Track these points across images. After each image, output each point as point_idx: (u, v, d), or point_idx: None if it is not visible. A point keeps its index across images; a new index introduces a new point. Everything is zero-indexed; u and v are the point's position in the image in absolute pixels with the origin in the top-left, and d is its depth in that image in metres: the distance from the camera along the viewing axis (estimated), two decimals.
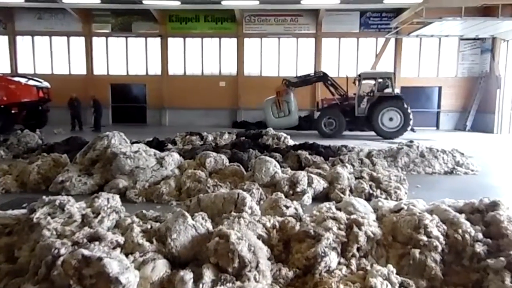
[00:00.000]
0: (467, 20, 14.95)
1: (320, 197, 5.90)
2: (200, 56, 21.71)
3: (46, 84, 17.09)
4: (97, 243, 2.81)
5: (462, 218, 3.42)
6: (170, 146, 10.36)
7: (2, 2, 19.45)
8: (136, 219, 3.66)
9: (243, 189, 5.27)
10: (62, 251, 2.62)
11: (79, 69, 21.87)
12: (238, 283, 2.80)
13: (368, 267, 3.11)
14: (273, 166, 6.35)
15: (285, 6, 19.45)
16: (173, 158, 6.82)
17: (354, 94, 16.03)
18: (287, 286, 3.02)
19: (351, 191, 6.10)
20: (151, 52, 21.87)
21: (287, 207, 4.22)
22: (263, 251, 3.09)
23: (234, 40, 21.35)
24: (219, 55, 21.68)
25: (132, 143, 7.92)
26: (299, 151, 8.58)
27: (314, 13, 20.34)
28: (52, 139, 11.16)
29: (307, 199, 5.80)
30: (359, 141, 13.72)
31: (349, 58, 20.98)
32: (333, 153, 9.14)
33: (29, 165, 6.74)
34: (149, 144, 9.16)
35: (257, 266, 2.91)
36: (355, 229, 3.38)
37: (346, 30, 20.60)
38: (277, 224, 3.61)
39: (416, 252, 3.17)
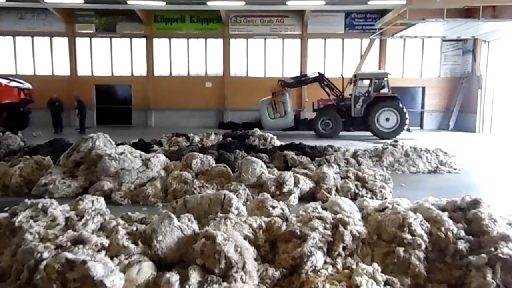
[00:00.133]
0: (449, 22, 15.23)
1: (307, 197, 5.93)
2: (186, 57, 21.61)
3: (27, 85, 16.77)
4: (81, 246, 2.78)
5: (445, 216, 3.48)
6: (156, 147, 10.27)
7: None
8: (121, 222, 3.62)
9: (230, 190, 5.26)
10: (45, 255, 2.58)
11: (63, 70, 21.53)
12: (224, 284, 2.80)
13: (354, 266, 3.14)
14: (259, 167, 6.36)
15: (271, 7, 19.51)
16: (159, 160, 6.77)
17: (350, 94, 16.13)
18: (274, 286, 3.03)
19: (337, 190, 6.15)
20: (136, 52, 21.67)
21: (274, 208, 4.23)
22: (250, 252, 3.10)
23: (220, 40, 21.31)
24: (205, 55, 21.61)
25: (117, 144, 7.84)
26: (286, 152, 8.61)
27: (300, 14, 20.45)
28: (33, 141, 10.95)
29: (294, 199, 5.83)
30: (346, 141, 13.83)
31: (335, 58, 21.15)
32: (319, 153, 9.19)
33: (11, 167, 6.62)
34: (135, 145, 9.08)
35: (243, 267, 2.91)
36: (341, 228, 3.41)
37: (331, 31, 20.76)
38: (263, 224, 3.62)
39: (401, 250, 3.21)
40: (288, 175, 6.10)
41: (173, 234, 3.13)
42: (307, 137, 14.87)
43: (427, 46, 20.60)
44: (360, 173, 6.73)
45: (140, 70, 21.73)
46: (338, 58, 21.15)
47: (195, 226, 3.41)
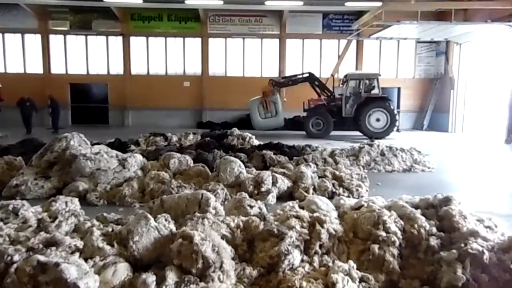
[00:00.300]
0: (422, 24, 15.62)
1: (285, 196, 5.97)
2: (164, 56, 21.37)
3: None
4: (54, 248, 2.71)
5: (418, 213, 3.58)
6: (133, 147, 10.13)
7: None
8: (96, 223, 3.56)
9: (208, 190, 5.25)
10: (16, 257, 2.51)
11: (36, 67, 20.93)
12: (202, 284, 2.79)
13: (330, 264, 3.18)
14: (237, 166, 6.36)
15: (249, 6, 19.52)
16: (136, 160, 6.67)
17: (340, 95, 16.26)
18: (251, 285, 3.04)
19: (314, 189, 6.21)
20: (112, 51, 21.28)
21: (251, 207, 4.24)
22: (227, 251, 3.10)
23: (199, 40, 21.18)
24: (183, 54, 21.43)
25: (93, 144, 7.69)
26: (264, 151, 8.64)
27: (278, 14, 20.55)
28: (0, 142, 10.59)
29: (272, 198, 5.86)
30: (323, 141, 13.99)
31: (313, 59, 21.34)
32: (298, 153, 9.27)
33: None
34: (111, 145, 8.93)
35: (221, 266, 2.91)
36: (318, 226, 3.45)
37: (309, 31, 20.95)
38: (241, 223, 3.63)
39: (375, 247, 3.28)
40: (266, 175, 6.13)
41: (150, 235, 3.10)
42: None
43: (402, 47, 21.06)
44: (337, 172, 6.82)
45: (117, 68, 21.35)
46: (316, 59, 21.36)
47: (172, 226, 3.38)
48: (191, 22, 20.96)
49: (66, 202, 3.72)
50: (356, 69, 20.69)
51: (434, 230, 3.40)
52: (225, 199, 5.54)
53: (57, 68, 21.10)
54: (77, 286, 2.33)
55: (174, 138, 11.82)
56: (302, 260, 3.25)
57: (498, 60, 16.40)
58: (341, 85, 16.81)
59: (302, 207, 4.04)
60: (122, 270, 2.77)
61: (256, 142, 11.37)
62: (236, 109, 20.78)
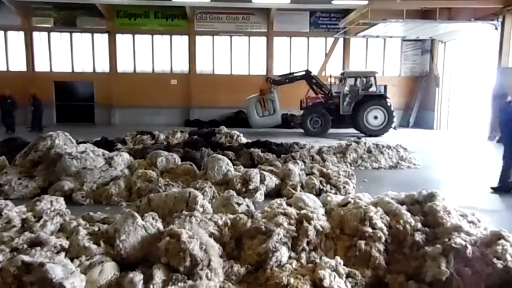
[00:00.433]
0: (408, 22, 15.78)
1: (273, 194, 5.99)
2: (151, 53, 21.15)
3: None
4: (38, 248, 2.68)
5: (403, 209, 3.63)
6: (119, 146, 10.02)
7: None
8: (82, 222, 3.52)
9: (196, 188, 5.24)
10: (0, 258, 2.47)
11: (19, 65, 20.51)
12: (190, 282, 2.79)
13: (318, 260, 3.21)
14: (225, 164, 6.36)
15: (236, 4, 19.44)
16: (122, 158, 6.62)
17: (336, 92, 16.23)
18: (239, 282, 3.05)
19: (302, 187, 6.25)
20: (98, 48, 20.97)
21: (239, 204, 4.25)
22: (215, 249, 3.10)
23: (186, 37, 21.02)
24: (170, 52, 21.24)
25: (79, 143, 7.61)
26: (252, 149, 8.65)
27: (266, 12, 20.51)
28: None
29: (260, 196, 5.88)
30: (312, 138, 14.06)
31: (300, 56, 21.39)
32: (285, 150, 9.30)
33: None
34: (97, 144, 8.83)
35: (209, 264, 2.91)
36: (305, 223, 3.48)
37: (296, 29, 20.95)
38: (229, 221, 3.64)
39: (362, 243, 3.32)
40: (254, 172, 6.14)
41: (137, 233, 3.09)
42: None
43: (388, 45, 21.24)
44: (324, 170, 6.87)
45: (103, 66, 21.05)
46: (304, 56, 21.41)
47: (160, 225, 3.37)
48: (178, 20, 20.79)
49: (51, 202, 3.67)
50: (343, 67, 20.80)
51: (419, 225, 3.46)
52: (213, 197, 5.54)
53: (41, 65, 20.71)
54: (63, 286, 2.31)
55: (162, 137, 11.74)
56: (289, 257, 3.28)
57: (481, 58, 16.68)
58: (339, 83, 16.82)
59: (289, 204, 4.07)
60: (109, 269, 2.75)
61: (244, 140, 11.37)
62: (224, 107, 20.71)
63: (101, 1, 19.21)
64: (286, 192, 5.93)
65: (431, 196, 3.76)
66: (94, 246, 2.92)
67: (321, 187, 6.28)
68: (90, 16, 20.26)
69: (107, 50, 20.82)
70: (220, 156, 6.76)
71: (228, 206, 4.25)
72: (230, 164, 6.53)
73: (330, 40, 20.59)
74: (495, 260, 2.92)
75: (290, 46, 21.34)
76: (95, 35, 20.78)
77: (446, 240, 3.13)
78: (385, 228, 3.43)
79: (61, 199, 3.87)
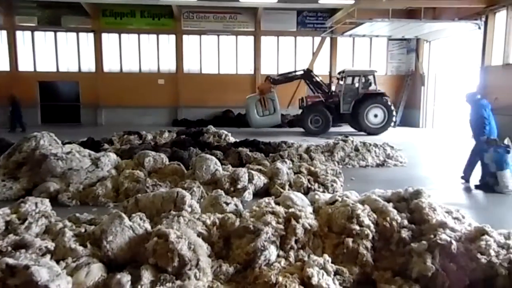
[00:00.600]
0: (393, 22, 15.95)
1: (261, 193, 6.00)
2: (137, 53, 20.97)
3: None
4: (23, 250, 2.64)
5: (390, 207, 3.68)
6: (106, 146, 9.91)
7: None
8: (69, 223, 3.48)
9: (184, 188, 5.21)
10: None
11: (2, 65, 20.13)
12: (178, 282, 2.78)
13: (306, 258, 3.23)
14: (213, 164, 6.34)
15: (224, 3, 19.40)
16: (109, 159, 6.55)
17: (334, 91, 16.26)
18: (228, 281, 3.05)
19: (290, 185, 6.27)
20: (83, 48, 20.70)
21: (227, 204, 4.24)
22: (203, 249, 3.10)
23: (173, 36, 20.89)
24: (157, 52, 21.09)
25: (64, 143, 7.52)
26: (240, 148, 8.65)
27: (253, 11, 20.52)
28: None
29: (248, 195, 5.88)
30: (300, 137, 14.12)
31: (288, 56, 21.45)
32: (273, 149, 9.32)
33: None
34: (83, 144, 8.73)
35: (197, 264, 2.91)
36: (293, 222, 3.50)
37: (284, 28, 21.01)
38: (217, 221, 3.63)
39: (350, 241, 3.36)
40: (242, 172, 6.14)
41: (124, 234, 3.06)
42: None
43: (375, 44, 21.44)
44: (312, 168, 6.90)
45: (88, 65, 20.80)
46: (291, 55, 21.48)
47: (147, 225, 3.35)
48: (165, 19, 20.65)
49: (36, 203, 3.62)
50: (330, 66, 20.95)
51: (406, 222, 3.51)
52: (201, 197, 5.52)
53: (24, 65, 20.36)
54: None
55: (149, 137, 11.65)
56: (278, 256, 3.29)
57: (465, 57, 16.96)
58: (337, 82, 16.88)
59: (277, 203, 4.08)
60: (96, 271, 2.73)
61: (232, 139, 11.35)
62: (212, 106, 20.67)
63: (86, 0, 18.97)
64: (274, 191, 5.95)
65: (417, 193, 3.81)
66: (80, 248, 2.89)
67: (309, 185, 6.31)
68: (75, 15, 19.99)
69: (92, 50, 20.58)
70: (208, 155, 6.74)
71: (216, 205, 4.24)
72: (218, 163, 6.52)
73: (317, 39, 20.70)
74: (479, 256, 2.98)
75: (277, 45, 21.39)
76: (81, 34, 20.52)
77: (432, 236, 3.18)
78: (372, 226, 3.47)
79: (46, 201, 3.81)
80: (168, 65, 21.18)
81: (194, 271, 2.87)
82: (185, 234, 3.05)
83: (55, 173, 5.94)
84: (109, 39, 20.75)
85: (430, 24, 16.20)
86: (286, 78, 16.80)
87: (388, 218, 3.49)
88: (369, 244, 3.37)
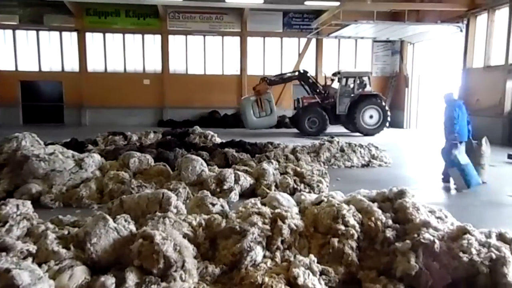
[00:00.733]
0: (378, 24, 16.17)
1: (247, 194, 5.99)
2: (122, 53, 20.75)
3: None
4: (4, 254, 2.58)
5: (375, 206, 3.71)
6: (90, 147, 9.77)
7: None
8: (51, 226, 3.42)
9: (169, 189, 5.18)
10: None
11: None
12: (163, 284, 2.76)
13: (292, 258, 3.24)
14: (199, 165, 6.32)
15: (210, 3, 19.36)
16: (93, 160, 6.46)
17: (326, 92, 16.34)
18: (214, 283, 3.04)
19: (276, 186, 6.28)
20: (67, 47, 20.38)
21: (213, 205, 4.23)
22: (189, 250, 3.08)
23: (158, 36, 20.74)
24: (143, 52, 20.91)
25: (47, 144, 7.38)
26: (226, 149, 8.63)
27: (239, 12, 20.52)
28: None
29: (234, 196, 5.87)
30: (287, 138, 14.16)
31: (274, 56, 21.52)
32: (260, 150, 9.33)
33: None
34: (67, 145, 8.59)
35: (183, 266, 2.89)
36: (279, 222, 3.50)
37: (270, 29, 21.08)
38: (203, 222, 3.62)
39: (335, 241, 3.38)
40: (229, 172, 6.13)
41: (109, 236, 3.02)
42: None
43: (360, 46, 21.68)
44: (298, 169, 6.92)
45: (72, 65, 20.49)
46: (277, 56, 21.55)
47: (132, 227, 3.31)
48: (150, 19, 20.49)
49: (17, 205, 3.55)
50: (316, 67, 21.08)
51: (390, 222, 3.55)
52: (187, 198, 5.49)
53: (6, 64, 19.95)
54: None
55: (134, 137, 11.53)
56: (264, 256, 3.30)
57: (447, 59, 17.28)
58: (330, 83, 16.97)
59: (264, 204, 4.08)
60: (79, 274, 2.68)
61: (218, 140, 11.33)
62: (198, 107, 20.60)
63: None
64: (260, 191, 5.95)
65: (401, 193, 3.86)
66: (63, 250, 2.84)
67: (295, 186, 6.34)
68: (58, 14, 19.68)
69: (76, 49, 20.28)
70: (194, 156, 6.70)
71: (202, 206, 4.22)
72: (204, 164, 6.49)
73: (303, 40, 20.83)
74: (461, 254, 3.03)
75: (263, 46, 21.45)
76: (64, 33, 20.21)
77: (415, 235, 3.22)
78: (357, 226, 3.50)
79: (28, 203, 3.74)
80: (154, 65, 21.02)
81: (180, 273, 2.85)
82: (171, 235, 3.03)
83: (37, 175, 5.83)
84: (93, 39, 20.49)
85: (413, 27, 16.47)
86: (282, 79, 16.82)
87: (373, 218, 3.53)
88: (354, 244, 3.39)
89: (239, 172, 6.30)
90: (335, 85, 16.69)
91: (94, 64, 20.59)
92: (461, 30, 15.08)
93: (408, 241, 3.16)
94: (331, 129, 16.31)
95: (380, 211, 3.64)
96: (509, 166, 9.11)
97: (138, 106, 20.51)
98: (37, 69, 20.22)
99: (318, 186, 6.40)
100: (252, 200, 4.15)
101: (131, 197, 4.23)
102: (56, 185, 5.74)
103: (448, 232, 3.31)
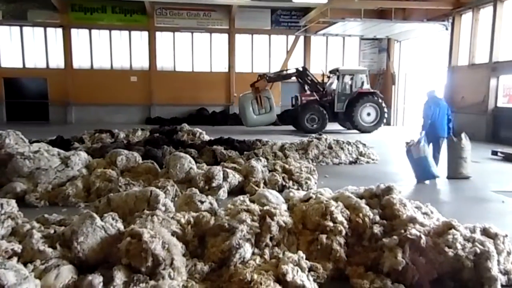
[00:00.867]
0: (365, 22, 16.30)
1: (236, 191, 5.99)
2: (109, 49, 20.49)
3: None
4: None
5: (362, 203, 3.75)
6: (77, 144, 9.63)
7: None
8: (37, 225, 3.36)
9: (157, 187, 5.14)
10: None
11: None
12: (152, 282, 2.74)
13: (281, 255, 3.25)
14: (187, 162, 6.29)
15: (197, 0, 19.24)
16: (80, 157, 6.37)
17: (325, 90, 16.39)
18: (203, 280, 3.04)
19: (265, 183, 6.29)
20: (51, 43, 20.04)
21: (202, 202, 4.22)
22: (178, 248, 3.07)
23: (145, 33, 20.54)
24: (130, 48, 20.68)
25: (32, 142, 7.27)
26: (215, 146, 8.61)
27: (227, 9, 20.44)
28: None
29: (223, 193, 5.86)
30: (275, 135, 14.18)
31: (262, 54, 21.51)
32: (248, 147, 9.33)
33: None
34: (52, 143, 8.48)
35: (171, 263, 2.88)
36: (268, 219, 3.51)
37: (258, 26, 21.05)
38: (191, 219, 3.60)
39: (323, 237, 3.40)
40: (217, 170, 6.11)
41: (96, 235, 2.99)
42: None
43: (348, 44, 21.80)
44: (287, 166, 6.95)
45: (57, 62, 20.16)
46: (265, 54, 21.55)
47: (120, 225, 3.28)
48: (137, 15, 20.27)
49: (1, 204, 3.48)
50: (304, 64, 21.13)
51: (377, 218, 3.59)
52: (175, 196, 5.46)
53: None
54: None
55: (122, 135, 11.42)
56: (253, 253, 3.30)
57: (433, 56, 17.51)
58: (327, 81, 17.01)
59: (252, 201, 4.09)
60: (66, 273, 2.65)
61: (206, 138, 11.29)
62: (186, 104, 20.49)
63: None
64: (249, 189, 5.95)
65: (388, 190, 3.91)
66: (49, 250, 2.80)
67: (284, 183, 6.36)
68: (43, 10, 19.32)
69: (61, 45, 19.96)
70: (182, 154, 6.66)
71: (191, 204, 4.20)
72: (193, 161, 6.47)
73: (291, 37, 20.85)
74: (446, 249, 3.08)
75: (252, 43, 21.41)
76: (48, 29, 19.87)
77: (402, 231, 3.26)
78: (345, 222, 3.53)
79: (13, 202, 3.67)
80: (141, 62, 20.82)
81: (168, 271, 2.84)
82: (159, 233, 3.01)
83: (22, 173, 5.73)
84: (78, 35, 20.19)
85: (400, 25, 16.65)
86: (281, 76, 16.78)
87: (360, 214, 3.56)
88: (342, 240, 3.42)
89: (227, 170, 6.29)
90: (334, 82, 16.75)
91: (80, 61, 20.31)
92: (446, 29, 15.28)
93: (395, 237, 3.20)
94: (329, 126, 16.41)
95: (367, 208, 3.68)
96: (493, 162, 9.29)
97: (125, 104, 20.30)
98: (21, 66, 19.85)
99: (306, 183, 6.43)
100: (241, 197, 4.16)
101: (119, 195, 4.19)
102: (41, 184, 5.66)
103: (434, 227, 3.36)
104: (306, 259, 3.17)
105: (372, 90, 16.51)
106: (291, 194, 4.41)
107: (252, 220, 3.52)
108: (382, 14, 18.51)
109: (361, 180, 6.46)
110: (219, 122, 18.95)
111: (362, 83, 16.29)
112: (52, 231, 3.13)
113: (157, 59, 20.72)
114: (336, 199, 3.88)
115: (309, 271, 3.08)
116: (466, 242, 3.15)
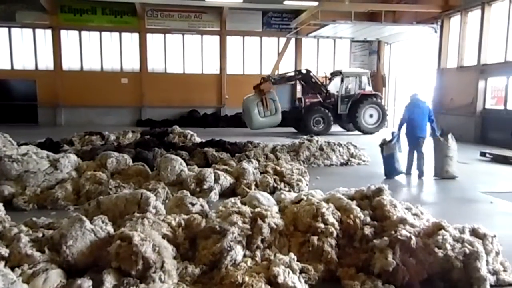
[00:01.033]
0: (356, 24, 16.41)
1: (227, 193, 5.98)
2: (99, 51, 20.32)
3: None
4: None
5: (353, 204, 3.77)
6: (66, 147, 9.53)
7: None
8: (25, 228, 3.31)
9: (148, 189, 5.11)
10: None
11: None
12: (142, 285, 2.73)
13: (272, 257, 3.25)
14: (179, 164, 6.26)
15: (188, 2, 19.19)
16: (69, 160, 6.30)
17: (327, 92, 16.42)
18: (194, 283, 3.02)
19: (256, 185, 6.29)
20: (40, 45, 19.81)
21: (193, 205, 4.19)
22: (168, 251, 3.05)
23: (136, 35, 20.41)
24: (120, 50, 20.53)
25: (20, 145, 7.17)
26: (206, 148, 8.59)
27: (218, 11, 20.42)
28: None
29: (214, 195, 5.85)
30: (267, 137, 14.18)
31: (253, 56, 21.52)
32: (239, 149, 9.31)
33: None
34: (41, 145, 8.36)
35: (162, 266, 2.86)
36: (259, 221, 3.51)
37: (249, 28, 21.05)
38: (182, 222, 3.58)
39: (315, 239, 3.41)
40: (208, 172, 6.10)
41: (85, 238, 2.96)
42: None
43: (338, 46, 21.92)
44: (278, 168, 6.95)
45: (46, 63, 19.93)
46: (257, 56, 21.57)
47: (110, 228, 3.25)
48: (128, 17, 20.14)
49: None
50: (295, 66, 21.19)
51: (368, 219, 3.61)
52: (166, 198, 5.44)
53: None
54: None
55: (112, 137, 11.32)
56: (244, 255, 3.29)
57: (423, 59, 17.68)
58: (328, 83, 17.05)
59: (244, 203, 4.08)
60: (54, 277, 2.62)
61: (198, 140, 11.25)
62: (177, 106, 20.40)
63: None
64: (240, 191, 5.95)
65: (379, 191, 3.93)
66: (37, 254, 2.76)
67: (275, 185, 6.36)
68: (31, 11, 19.09)
69: (50, 47, 19.74)
70: (173, 156, 6.64)
71: (182, 206, 4.18)
72: (184, 164, 6.44)
73: (283, 40, 20.89)
74: (436, 250, 3.10)
75: (243, 46, 21.41)
76: (37, 30, 19.64)
77: (393, 232, 3.28)
78: (336, 223, 3.54)
79: (0, 205, 3.62)
80: (132, 64, 20.68)
81: (159, 274, 2.82)
82: (150, 236, 2.99)
83: (9, 176, 5.65)
84: (68, 36, 19.99)
85: (390, 27, 16.78)
86: (285, 78, 16.81)
87: (351, 216, 3.58)
88: (333, 242, 3.43)
89: (219, 172, 6.28)
90: (334, 84, 16.80)
91: (70, 63, 20.10)
92: (435, 31, 15.45)
93: (385, 238, 3.22)
94: (332, 128, 16.48)
95: (358, 209, 3.69)
96: (482, 163, 9.40)
97: (116, 105, 20.14)
98: (9, 67, 19.59)
99: (297, 184, 6.45)
100: (232, 199, 4.15)
101: (109, 198, 4.16)
102: (29, 187, 5.59)
103: (424, 228, 3.39)
104: (298, 260, 3.17)
105: (374, 92, 16.66)
106: (283, 196, 4.41)
107: (244, 222, 3.51)
108: (372, 17, 18.64)
109: (352, 181, 6.48)
110: (211, 124, 18.91)
111: (365, 85, 16.41)
112: (40, 235, 3.09)
113: (148, 61, 20.60)
114: (327, 200, 3.89)
115: (300, 272, 3.09)
116: (456, 242, 3.18)
